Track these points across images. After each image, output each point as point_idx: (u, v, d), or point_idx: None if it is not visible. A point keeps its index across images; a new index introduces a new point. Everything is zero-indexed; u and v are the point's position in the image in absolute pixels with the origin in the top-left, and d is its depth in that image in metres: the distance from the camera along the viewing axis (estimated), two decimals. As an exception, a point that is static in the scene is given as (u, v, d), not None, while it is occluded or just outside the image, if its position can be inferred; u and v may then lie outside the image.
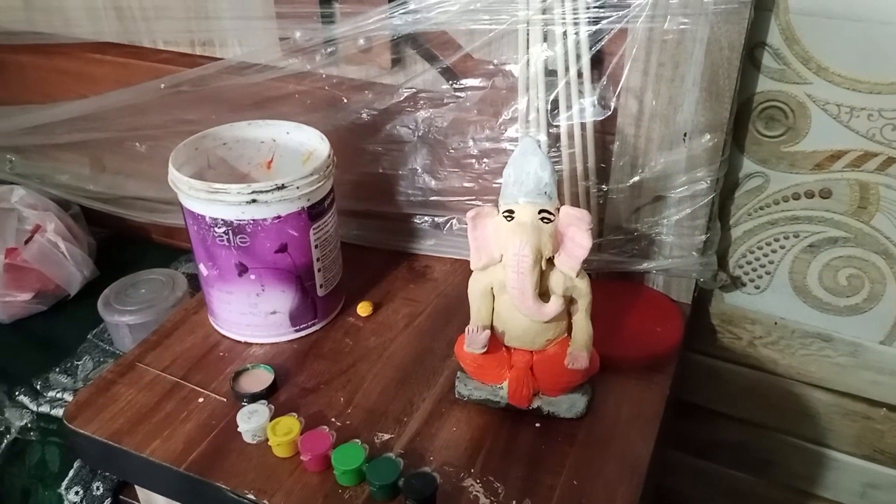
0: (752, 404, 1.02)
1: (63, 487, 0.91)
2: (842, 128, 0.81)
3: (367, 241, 1.01)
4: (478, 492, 0.67)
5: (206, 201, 0.76)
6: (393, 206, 0.99)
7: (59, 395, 0.99)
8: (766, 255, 0.92)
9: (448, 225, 0.98)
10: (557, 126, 0.85)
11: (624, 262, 0.90)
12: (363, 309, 0.90)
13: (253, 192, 0.75)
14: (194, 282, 1.03)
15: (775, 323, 0.95)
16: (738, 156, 0.87)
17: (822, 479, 1.04)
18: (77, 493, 0.91)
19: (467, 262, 0.72)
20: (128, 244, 1.29)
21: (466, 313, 0.74)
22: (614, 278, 0.92)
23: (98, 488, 0.91)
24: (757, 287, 0.94)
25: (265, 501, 0.67)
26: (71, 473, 0.92)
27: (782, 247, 0.90)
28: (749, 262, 0.93)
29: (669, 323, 0.87)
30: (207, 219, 0.78)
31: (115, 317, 1.02)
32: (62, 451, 0.93)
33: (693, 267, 0.88)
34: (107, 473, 0.91)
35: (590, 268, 0.89)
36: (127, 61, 1.12)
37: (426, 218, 0.99)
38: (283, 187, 0.76)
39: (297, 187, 0.77)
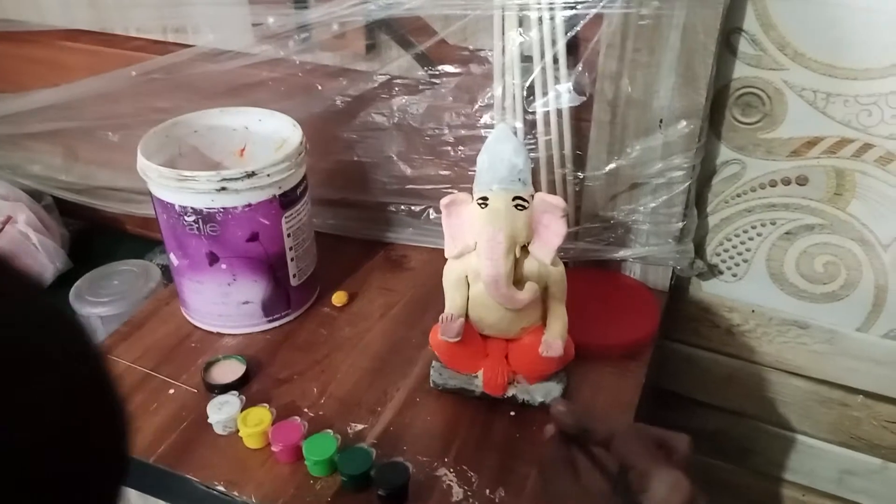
0: (730, 393, 1.02)
1: (34, 481, 0.90)
2: (818, 114, 0.81)
3: (343, 230, 1.00)
4: (451, 481, 0.67)
5: (176, 189, 0.75)
6: (368, 194, 0.98)
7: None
8: (742, 243, 0.92)
9: (425, 214, 0.97)
10: (533, 113, 0.84)
11: (600, 250, 0.89)
12: (338, 299, 0.89)
13: (223, 180, 0.74)
14: (168, 273, 1.01)
15: (752, 311, 0.95)
16: (715, 143, 0.87)
17: (799, 467, 1.04)
18: (48, 487, 0.89)
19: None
20: (102, 236, 1.27)
21: (443, 303, 0.73)
22: (591, 267, 0.91)
23: (70, 482, 0.89)
24: (734, 275, 0.94)
25: (235, 493, 0.66)
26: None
27: (759, 234, 0.90)
28: (726, 250, 0.93)
29: (646, 311, 0.87)
30: (177, 207, 0.76)
31: (88, 308, 1.00)
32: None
33: (670, 255, 0.87)
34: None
35: (566, 256, 0.88)
36: (99, 49, 1.10)
37: (402, 207, 0.98)
38: (253, 174, 0.75)
39: (268, 175, 0.76)
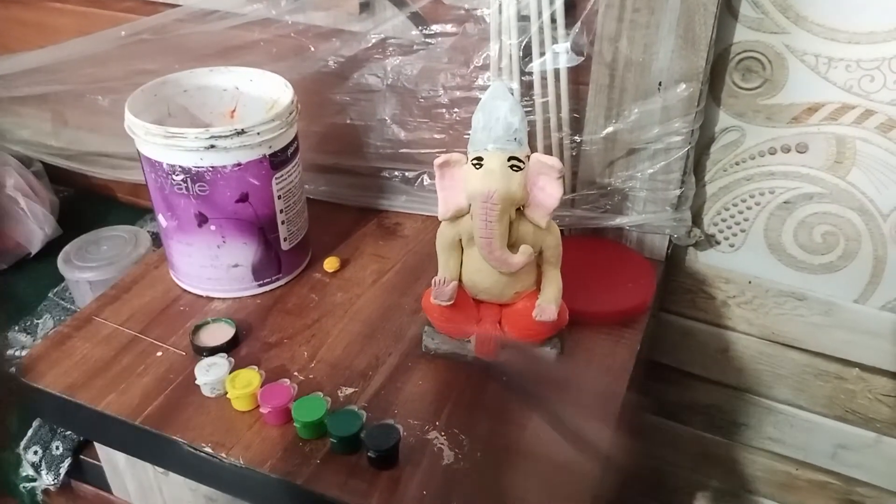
0: (725, 365, 1.02)
1: (21, 447, 0.89)
2: (819, 79, 0.79)
3: (336, 197, 0.98)
4: (442, 444, 0.66)
5: (163, 147, 0.73)
6: (362, 159, 0.96)
7: (18, 354, 0.96)
8: (741, 213, 0.90)
9: (419, 180, 0.96)
10: (530, 74, 0.82)
11: (597, 217, 0.88)
12: (330, 265, 0.88)
13: (211, 137, 0.72)
14: (158, 241, 1.00)
15: (749, 282, 0.94)
16: (715, 109, 0.85)
17: (793, 441, 1.04)
18: (36, 452, 0.88)
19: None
20: (92, 203, 1.26)
21: (436, 270, 0.72)
22: (587, 234, 0.90)
23: (57, 448, 0.88)
24: (731, 245, 0.93)
25: (223, 455, 0.65)
26: (29, 433, 0.89)
27: (758, 203, 0.89)
28: (724, 220, 0.92)
29: (642, 279, 0.85)
30: (165, 166, 0.75)
31: (76, 273, 0.99)
32: (21, 411, 0.90)
33: (667, 222, 0.86)
34: (66, 432, 0.88)
35: (563, 224, 0.87)
36: (88, 10, 1.08)
37: (396, 172, 0.96)
38: (242, 132, 0.73)
39: (258, 133, 0.74)
